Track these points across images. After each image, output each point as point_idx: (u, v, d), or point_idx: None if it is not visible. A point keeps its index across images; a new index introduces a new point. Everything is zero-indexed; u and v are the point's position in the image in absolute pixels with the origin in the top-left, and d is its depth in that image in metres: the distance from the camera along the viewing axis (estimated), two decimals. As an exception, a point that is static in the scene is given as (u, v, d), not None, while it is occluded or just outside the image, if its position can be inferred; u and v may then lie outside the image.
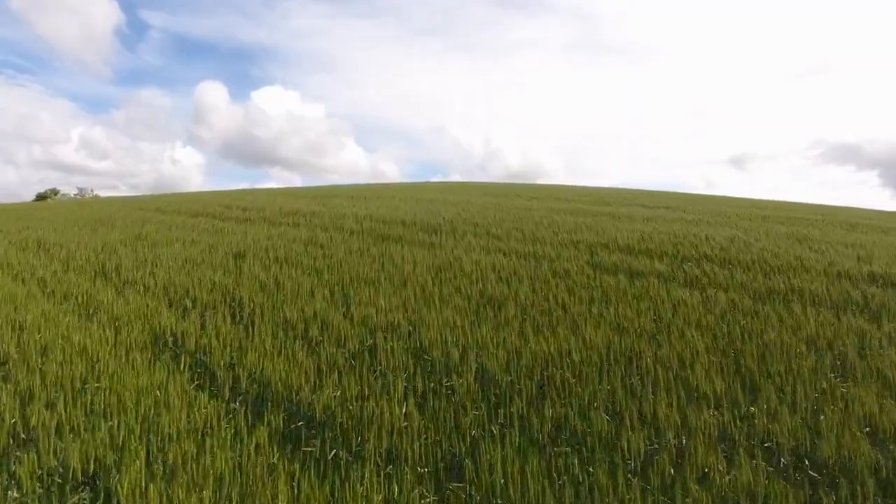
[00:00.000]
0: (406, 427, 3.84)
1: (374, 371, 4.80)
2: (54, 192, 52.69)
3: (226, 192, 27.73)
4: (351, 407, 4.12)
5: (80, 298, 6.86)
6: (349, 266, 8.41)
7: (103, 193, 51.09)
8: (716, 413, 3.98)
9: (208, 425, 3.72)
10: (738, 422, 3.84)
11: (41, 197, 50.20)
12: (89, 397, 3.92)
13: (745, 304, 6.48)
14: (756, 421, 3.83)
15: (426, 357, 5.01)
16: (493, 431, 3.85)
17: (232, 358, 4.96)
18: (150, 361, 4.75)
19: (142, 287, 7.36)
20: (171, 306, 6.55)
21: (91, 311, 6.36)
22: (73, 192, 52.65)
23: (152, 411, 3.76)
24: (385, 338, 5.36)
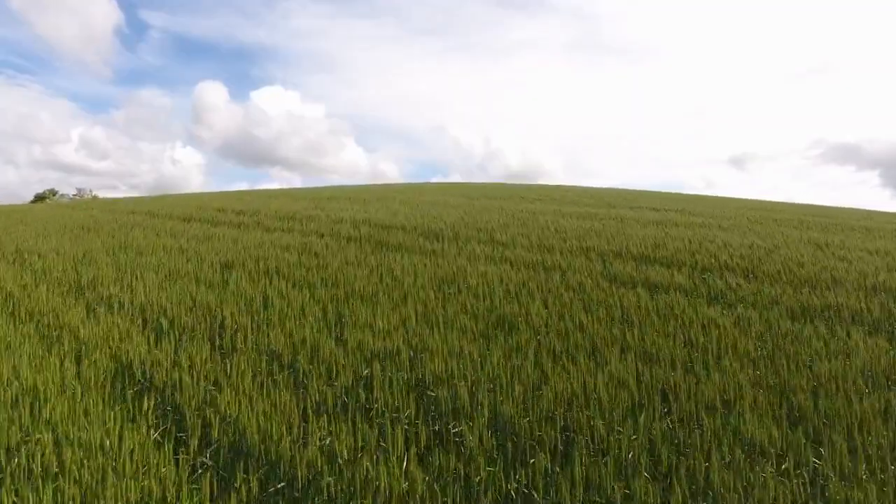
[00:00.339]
0: (407, 492, 3.20)
1: (370, 411, 4.15)
2: (53, 192, 51.98)
3: (223, 193, 27.04)
4: (340, 461, 3.47)
5: (45, 319, 6.20)
6: (345, 278, 7.76)
7: (103, 194, 50.31)
8: (779, 474, 3.33)
9: (167, 492, 3.07)
10: (807, 485, 3.20)
11: (40, 198, 49.43)
12: (25, 457, 3.26)
13: (783, 326, 5.83)
14: (829, 485, 3.18)
15: (430, 393, 4.36)
16: (511, 496, 3.21)
17: (206, 395, 4.30)
18: (107, 404, 4.08)
19: (116, 304, 6.70)
20: (144, 328, 5.89)
21: (55, 335, 5.70)
22: (71, 192, 51.94)
23: (98, 476, 3.10)
24: (382, 368, 4.71)
